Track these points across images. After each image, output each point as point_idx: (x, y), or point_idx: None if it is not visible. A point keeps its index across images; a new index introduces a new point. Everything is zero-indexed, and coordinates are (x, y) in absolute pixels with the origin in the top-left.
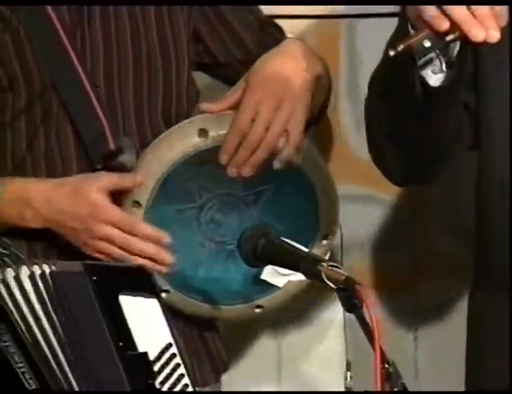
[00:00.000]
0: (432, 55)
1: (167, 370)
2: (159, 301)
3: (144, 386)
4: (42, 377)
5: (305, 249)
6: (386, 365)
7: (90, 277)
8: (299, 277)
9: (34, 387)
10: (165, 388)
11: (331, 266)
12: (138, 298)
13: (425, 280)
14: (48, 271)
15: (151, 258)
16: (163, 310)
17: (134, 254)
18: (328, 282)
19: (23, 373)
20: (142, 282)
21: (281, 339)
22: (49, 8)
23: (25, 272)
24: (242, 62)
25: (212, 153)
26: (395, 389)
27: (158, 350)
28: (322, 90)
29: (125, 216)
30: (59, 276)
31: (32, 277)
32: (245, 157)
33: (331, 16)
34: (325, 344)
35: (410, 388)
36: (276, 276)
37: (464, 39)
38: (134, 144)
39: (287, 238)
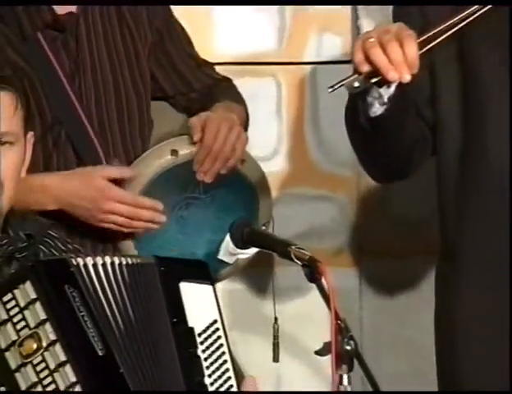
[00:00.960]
0: (375, 92)
1: (211, 340)
2: (213, 287)
3: (188, 354)
4: (108, 345)
5: (277, 236)
6: (339, 321)
7: (159, 267)
8: (244, 256)
9: (101, 353)
10: (207, 355)
11: (298, 248)
12: (194, 284)
13: (367, 257)
14: (117, 262)
15: (150, 221)
16: (215, 294)
17: (137, 220)
18: (296, 260)
19: (93, 337)
20: (200, 271)
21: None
22: (54, 60)
23: (98, 260)
24: (184, 94)
25: (181, 167)
26: (345, 339)
27: (206, 323)
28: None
29: (127, 193)
30: (128, 265)
31: (104, 264)
32: (210, 165)
33: (297, 63)
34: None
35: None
36: (228, 256)
37: (384, 80)
38: (121, 163)
39: (256, 228)
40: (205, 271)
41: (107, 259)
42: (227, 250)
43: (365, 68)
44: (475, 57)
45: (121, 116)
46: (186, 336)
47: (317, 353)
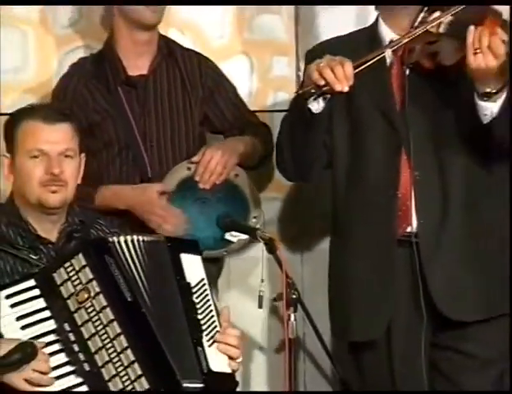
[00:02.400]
0: (319, 97)
1: (200, 291)
2: (201, 257)
3: (187, 299)
4: (134, 294)
5: (248, 224)
6: (288, 279)
7: (167, 244)
8: (241, 238)
9: (130, 299)
10: (198, 301)
11: (262, 232)
12: (190, 255)
13: (306, 235)
14: (141, 239)
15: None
16: (202, 262)
17: (167, 222)
18: (261, 240)
19: (124, 289)
20: (193, 247)
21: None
22: (127, 107)
23: (128, 238)
24: (227, 131)
25: (192, 177)
26: (292, 290)
27: (197, 280)
28: (252, 156)
29: (167, 205)
30: (145, 242)
31: (132, 241)
32: (207, 178)
33: (268, 110)
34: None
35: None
36: (231, 237)
37: (331, 90)
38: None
39: (235, 219)
40: (197, 247)
41: (132, 237)
42: (231, 234)
43: (320, 82)
44: (357, 105)
45: (173, 145)
46: (185, 288)
47: (274, 300)
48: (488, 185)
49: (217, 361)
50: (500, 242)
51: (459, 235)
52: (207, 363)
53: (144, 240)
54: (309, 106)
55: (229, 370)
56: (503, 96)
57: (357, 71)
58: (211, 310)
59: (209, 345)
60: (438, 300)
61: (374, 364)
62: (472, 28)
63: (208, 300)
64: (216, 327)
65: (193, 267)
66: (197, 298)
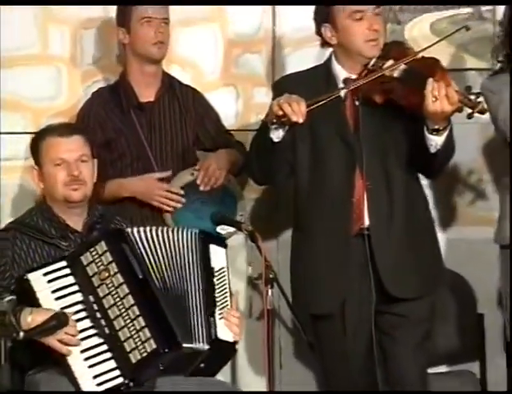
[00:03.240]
0: (279, 127)
1: (220, 276)
2: (225, 249)
3: (209, 280)
4: (144, 274)
5: (235, 219)
6: (267, 262)
7: (200, 235)
8: (230, 230)
9: (141, 277)
10: (217, 283)
11: (246, 225)
12: (217, 246)
13: (280, 229)
14: (148, 229)
15: (177, 202)
16: (226, 253)
17: (170, 200)
18: (245, 232)
19: (136, 268)
20: (221, 241)
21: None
22: (138, 126)
23: (140, 229)
24: (213, 148)
25: (195, 181)
26: (270, 271)
27: (219, 267)
28: (237, 165)
29: (167, 186)
30: (163, 231)
31: (151, 230)
32: (207, 181)
33: (250, 129)
34: (241, 252)
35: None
36: (221, 230)
37: (288, 121)
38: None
39: (225, 215)
40: (223, 242)
41: (142, 228)
42: (222, 228)
43: (280, 113)
44: (317, 129)
45: (174, 156)
46: (209, 271)
47: (256, 279)
48: (420, 192)
49: (224, 332)
50: (431, 237)
51: (401, 230)
52: (216, 331)
53: (150, 230)
54: (271, 135)
55: (232, 340)
56: (447, 132)
57: (312, 107)
58: (226, 292)
59: (219, 319)
60: (386, 281)
61: (330, 333)
62: (431, 79)
63: (225, 285)
64: (227, 306)
65: (217, 256)
66: (217, 280)
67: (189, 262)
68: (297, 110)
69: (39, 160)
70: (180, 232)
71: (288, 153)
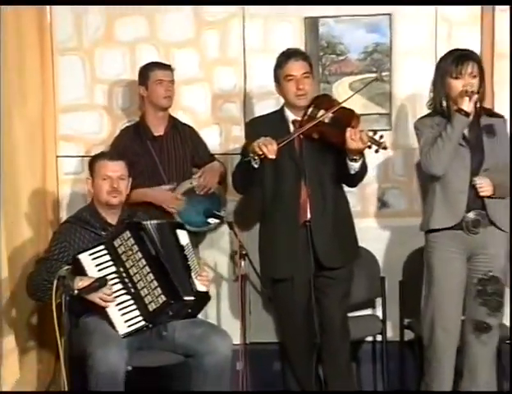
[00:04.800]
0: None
1: (188, 250)
2: (187, 231)
3: (182, 254)
4: (156, 251)
5: (220, 214)
6: (240, 242)
7: (171, 224)
8: (216, 221)
9: (153, 254)
10: (188, 258)
11: (227, 218)
12: (179, 230)
13: (250, 221)
14: (156, 222)
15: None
16: (188, 234)
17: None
18: (226, 222)
19: (151, 248)
20: (182, 226)
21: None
22: (154, 153)
23: (153, 222)
24: (202, 164)
25: (193, 188)
26: (242, 248)
27: (186, 243)
28: (221, 177)
29: (174, 195)
30: (159, 224)
31: (153, 224)
32: (202, 188)
33: (229, 154)
34: (225, 236)
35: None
36: (211, 221)
37: (265, 157)
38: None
39: (212, 210)
40: (184, 226)
41: (153, 222)
42: (210, 219)
43: (259, 152)
44: (278, 157)
45: (177, 172)
46: (180, 248)
47: (233, 253)
48: (343, 196)
49: (200, 286)
50: (350, 226)
51: (330, 221)
52: (195, 286)
53: (158, 223)
54: (252, 164)
55: (206, 290)
56: (361, 160)
57: (280, 145)
58: (194, 260)
59: (195, 278)
60: (320, 256)
61: (284, 291)
62: (349, 128)
63: (192, 255)
64: (197, 269)
65: (183, 236)
66: (186, 253)
67: (171, 242)
68: (271, 149)
69: (93, 174)
70: (162, 225)
71: (260, 172)
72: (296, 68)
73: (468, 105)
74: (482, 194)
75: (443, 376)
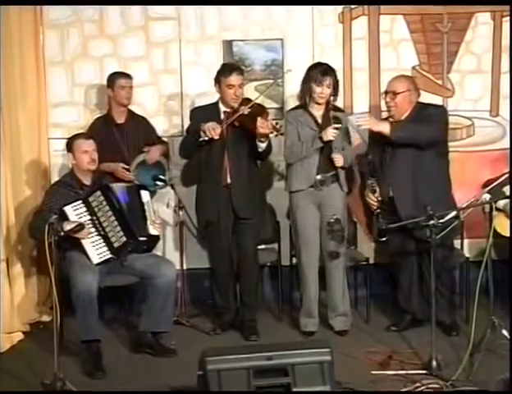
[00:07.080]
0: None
1: (147, 205)
2: (149, 191)
3: (143, 208)
4: (120, 205)
5: (165, 178)
6: (180, 198)
7: (137, 187)
8: (162, 184)
9: (117, 207)
10: (146, 210)
11: (170, 181)
12: (143, 191)
13: (190, 182)
14: (123, 185)
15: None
16: (150, 193)
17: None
18: (169, 184)
19: (115, 203)
20: (144, 188)
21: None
22: (118, 135)
23: (118, 184)
24: (151, 143)
25: (145, 160)
26: (180, 205)
27: (146, 200)
28: (165, 151)
29: (127, 167)
30: (125, 186)
31: (116, 187)
32: (151, 159)
33: (168, 136)
34: (169, 194)
35: None
36: (158, 183)
37: (212, 137)
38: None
39: (158, 176)
40: (146, 188)
41: (119, 184)
42: (157, 182)
43: (207, 133)
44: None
45: (134, 150)
46: (141, 203)
47: (175, 206)
48: (255, 166)
49: (153, 231)
50: (259, 186)
51: (246, 184)
52: (148, 230)
53: (127, 186)
54: (200, 139)
55: (157, 233)
56: (267, 142)
57: (221, 129)
58: (151, 212)
59: (150, 224)
60: (236, 209)
61: (213, 230)
62: (259, 118)
63: (150, 209)
64: (153, 218)
65: (145, 195)
66: (146, 207)
67: (135, 198)
68: (216, 132)
69: (72, 150)
70: (130, 187)
71: (204, 146)
72: (236, 80)
73: (325, 136)
74: (336, 164)
75: (309, 285)
